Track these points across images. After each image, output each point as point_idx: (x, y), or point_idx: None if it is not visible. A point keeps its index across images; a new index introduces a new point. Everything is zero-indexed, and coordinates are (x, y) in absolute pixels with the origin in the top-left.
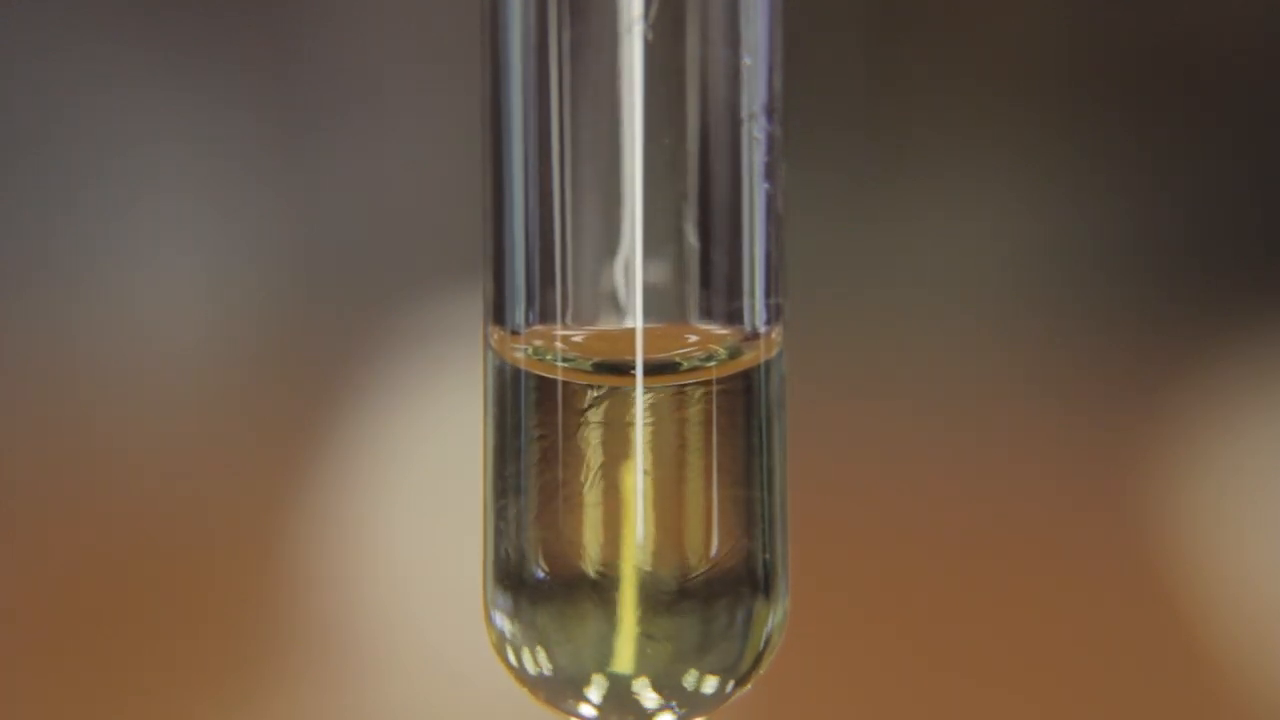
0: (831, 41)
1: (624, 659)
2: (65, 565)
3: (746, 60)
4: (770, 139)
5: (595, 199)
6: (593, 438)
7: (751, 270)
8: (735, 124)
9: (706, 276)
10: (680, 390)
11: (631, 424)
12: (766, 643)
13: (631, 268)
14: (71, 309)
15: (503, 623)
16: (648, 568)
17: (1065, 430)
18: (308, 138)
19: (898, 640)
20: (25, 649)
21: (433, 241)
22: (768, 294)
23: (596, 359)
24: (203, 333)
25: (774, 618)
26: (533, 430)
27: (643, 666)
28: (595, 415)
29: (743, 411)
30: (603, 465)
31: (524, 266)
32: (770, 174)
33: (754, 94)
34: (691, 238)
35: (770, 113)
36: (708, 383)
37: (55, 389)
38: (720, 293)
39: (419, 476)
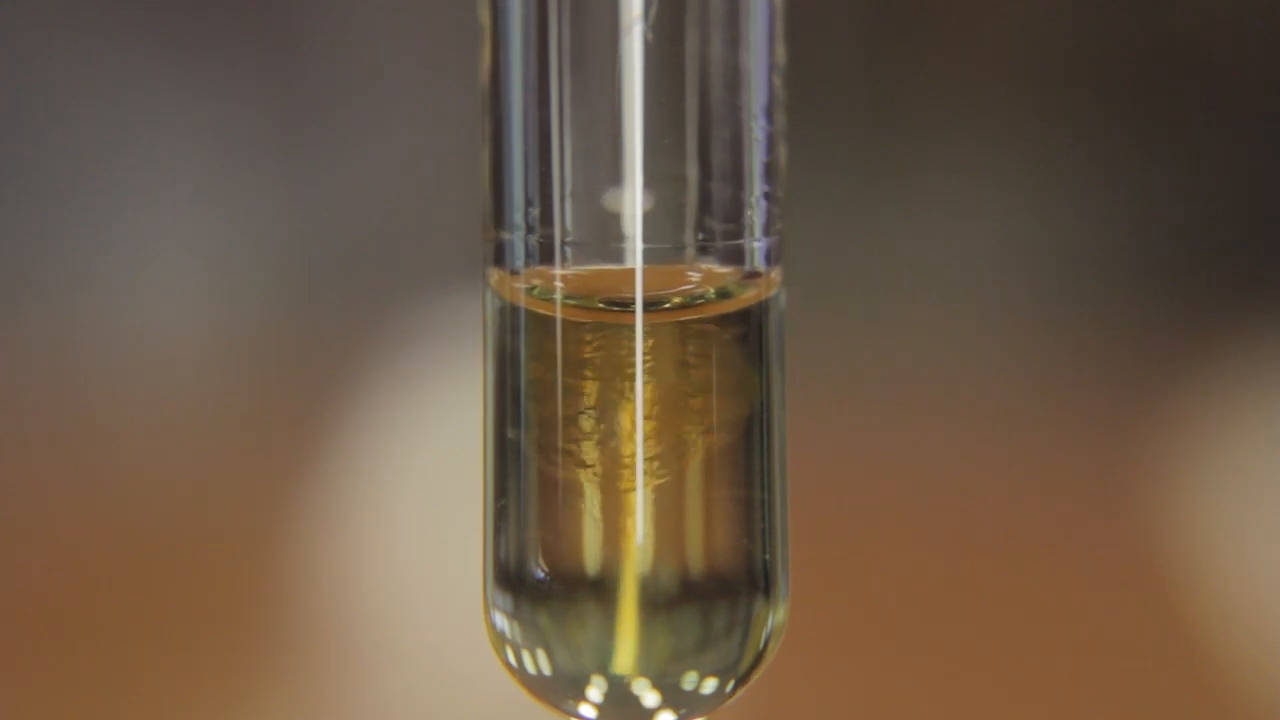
0: (831, 41)
1: (624, 655)
2: (65, 565)
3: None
4: (772, 92)
5: (594, 138)
6: (592, 373)
7: (751, 210)
8: (735, 65)
9: (706, 216)
10: (680, 325)
11: (631, 358)
12: (766, 643)
13: (631, 207)
14: (72, 309)
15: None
16: (648, 508)
17: (1065, 430)
18: (309, 137)
19: (898, 640)
20: (25, 648)
21: (433, 241)
22: (767, 233)
23: (596, 296)
24: (204, 332)
25: (774, 618)
26: (532, 367)
27: (642, 666)
28: (595, 350)
29: (743, 347)
30: (601, 399)
31: (523, 207)
32: (770, 116)
33: (754, 94)
34: (692, 178)
35: (770, 114)
36: (708, 319)
37: (55, 389)
38: (719, 232)
39: (419, 476)
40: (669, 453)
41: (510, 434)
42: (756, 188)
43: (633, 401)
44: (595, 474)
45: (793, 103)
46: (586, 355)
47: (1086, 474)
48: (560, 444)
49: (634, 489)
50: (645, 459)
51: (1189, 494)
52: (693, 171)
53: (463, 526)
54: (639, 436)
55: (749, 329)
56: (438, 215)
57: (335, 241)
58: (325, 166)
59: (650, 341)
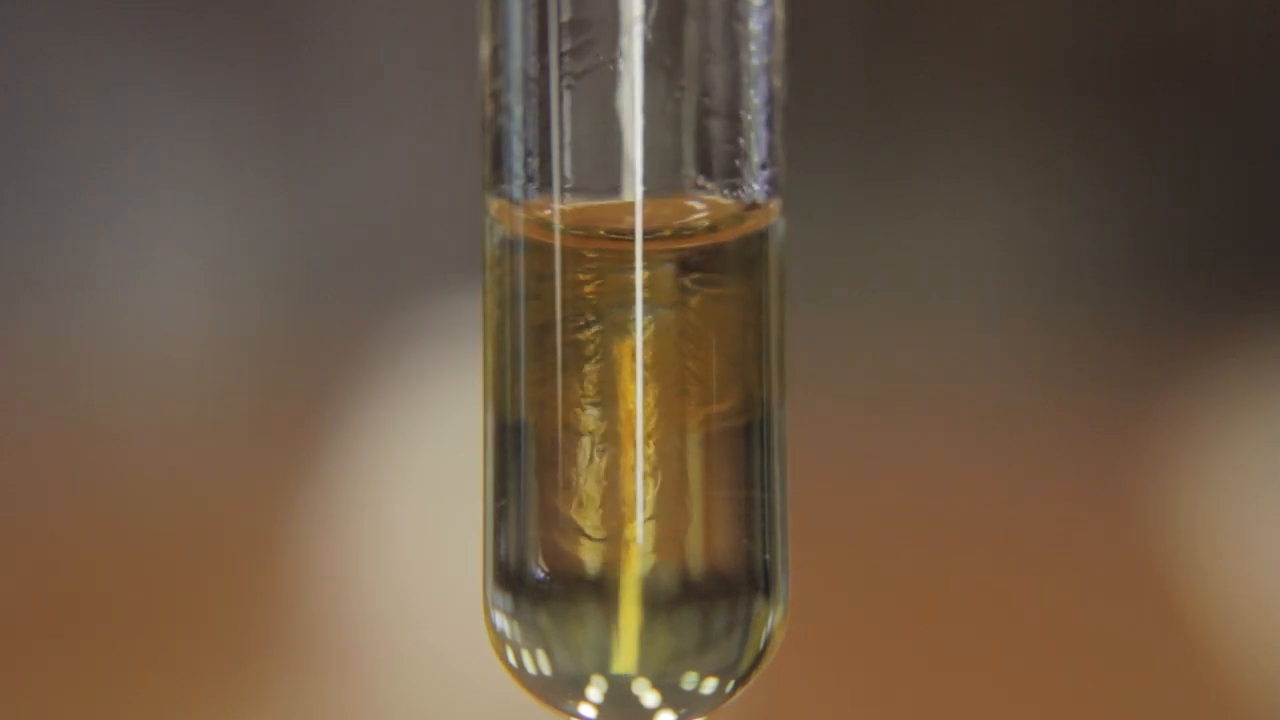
0: (831, 41)
1: (624, 655)
2: (65, 564)
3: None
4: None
5: (595, 68)
6: (591, 301)
7: (750, 141)
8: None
9: (705, 148)
10: (679, 254)
11: (631, 286)
12: (766, 643)
13: (631, 138)
14: (72, 309)
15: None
16: (649, 444)
17: (1065, 430)
18: (309, 138)
19: (898, 640)
20: (25, 648)
21: (433, 241)
22: (766, 164)
23: (596, 226)
24: (204, 332)
25: (774, 618)
26: (531, 295)
27: (642, 666)
28: (594, 278)
29: (744, 277)
30: (601, 325)
31: (522, 138)
32: (769, 45)
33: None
34: (690, 108)
35: (769, 42)
36: (707, 248)
37: (55, 388)
38: (719, 164)
39: (419, 476)
40: (666, 379)
41: (509, 365)
42: (756, 118)
43: (632, 332)
44: (595, 403)
45: (793, 103)
46: (585, 283)
47: (1086, 474)
48: (560, 369)
49: (635, 423)
50: (645, 389)
51: (1189, 494)
52: (691, 101)
53: (463, 526)
54: (639, 361)
55: (749, 259)
56: (438, 215)
57: (335, 241)
58: (325, 166)
59: (649, 270)
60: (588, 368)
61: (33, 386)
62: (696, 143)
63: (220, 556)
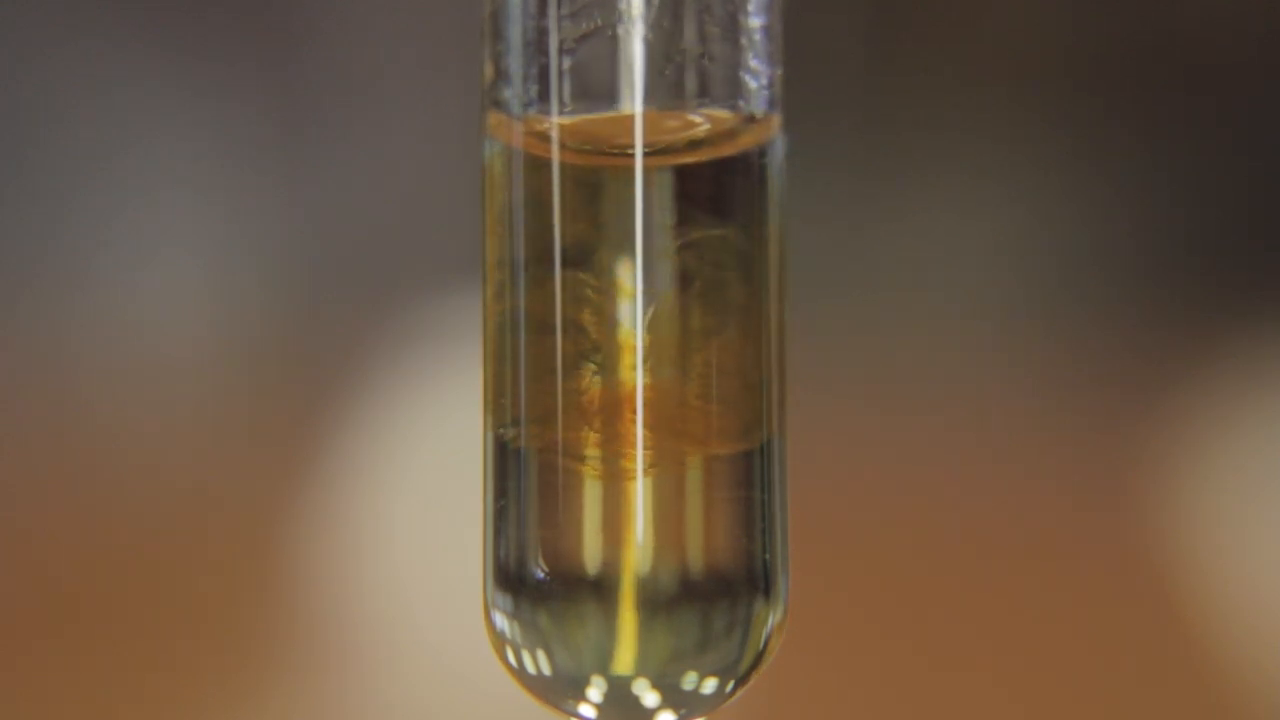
0: (831, 41)
1: (624, 655)
2: (65, 565)
3: None
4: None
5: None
6: (590, 211)
7: (748, 54)
8: None
9: (703, 60)
10: (679, 169)
11: (631, 198)
12: (766, 642)
13: (630, 52)
14: (72, 309)
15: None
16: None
17: (1065, 430)
18: (309, 138)
19: (898, 640)
20: (25, 648)
21: (433, 241)
22: (765, 79)
23: (595, 141)
24: (204, 332)
25: (774, 617)
26: (530, 208)
27: (643, 664)
28: (594, 191)
29: (744, 189)
30: (601, 235)
31: (522, 52)
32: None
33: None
34: (690, 22)
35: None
36: (708, 162)
37: (55, 388)
38: (718, 78)
39: (419, 476)
40: (665, 291)
41: (505, 282)
42: (754, 31)
43: (633, 251)
44: (596, 318)
45: (793, 103)
46: (584, 198)
47: (1086, 474)
48: (557, 283)
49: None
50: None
51: (1189, 494)
52: (690, 15)
53: (463, 527)
54: (639, 270)
55: (749, 172)
56: (438, 215)
57: (335, 241)
58: (325, 166)
59: (650, 185)
60: (586, 271)
61: (33, 386)
62: (695, 57)
63: (220, 556)
